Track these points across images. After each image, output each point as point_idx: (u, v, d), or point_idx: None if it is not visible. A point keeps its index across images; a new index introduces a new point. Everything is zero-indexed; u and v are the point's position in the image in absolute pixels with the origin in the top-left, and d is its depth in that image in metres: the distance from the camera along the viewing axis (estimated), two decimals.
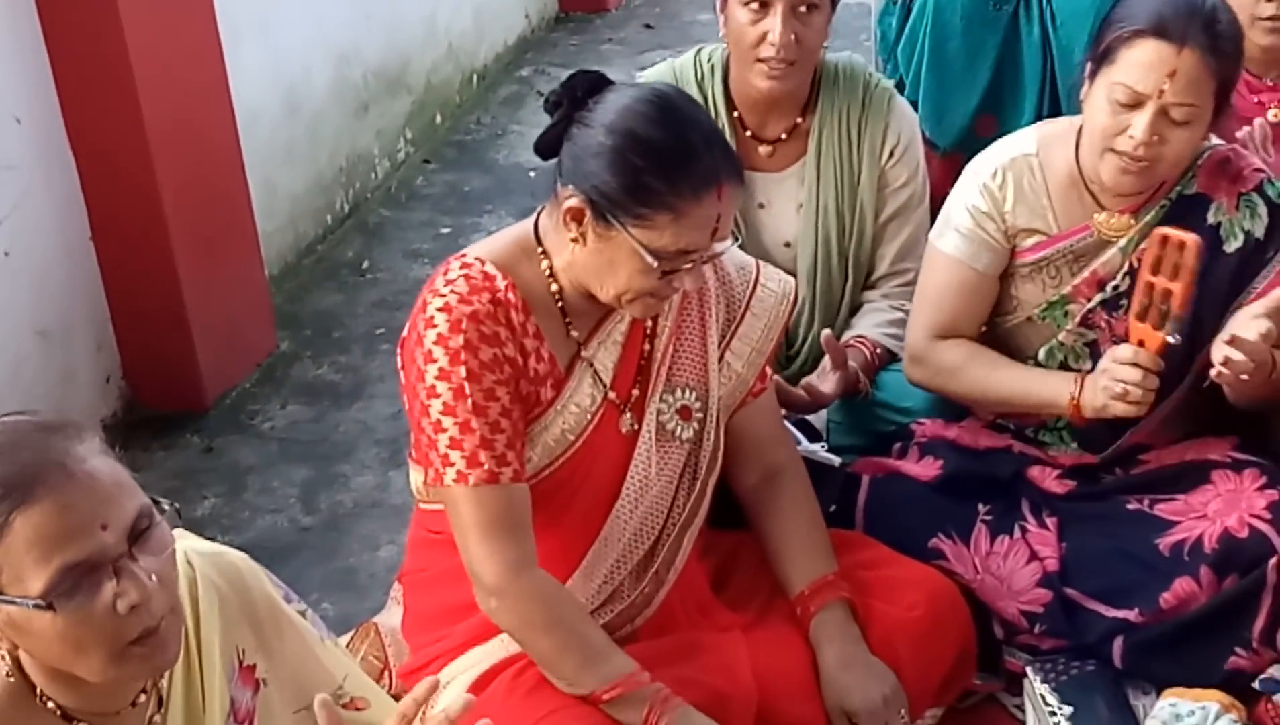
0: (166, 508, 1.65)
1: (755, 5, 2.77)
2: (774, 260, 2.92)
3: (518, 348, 2.19)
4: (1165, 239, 2.39)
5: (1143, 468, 2.70)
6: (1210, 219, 2.56)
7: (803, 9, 2.78)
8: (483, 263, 2.20)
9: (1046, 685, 2.48)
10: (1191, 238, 2.37)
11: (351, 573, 3.28)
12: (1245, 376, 2.35)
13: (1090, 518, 2.63)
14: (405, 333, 2.22)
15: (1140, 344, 2.42)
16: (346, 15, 4.90)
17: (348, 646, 2.53)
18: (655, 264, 2.10)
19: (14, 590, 1.54)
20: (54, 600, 1.53)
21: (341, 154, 4.92)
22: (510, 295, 2.18)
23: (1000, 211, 2.63)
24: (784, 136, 2.97)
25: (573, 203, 2.13)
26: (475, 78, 5.84)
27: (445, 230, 4.84)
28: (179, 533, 1.77)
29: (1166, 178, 2.53)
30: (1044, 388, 2.60)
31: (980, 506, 2.66)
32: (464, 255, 2.23)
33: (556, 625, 2.17)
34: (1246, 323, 2.37)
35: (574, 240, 2.16)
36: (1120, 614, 2.51)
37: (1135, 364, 2.41)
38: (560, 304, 2.24)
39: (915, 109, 3.75)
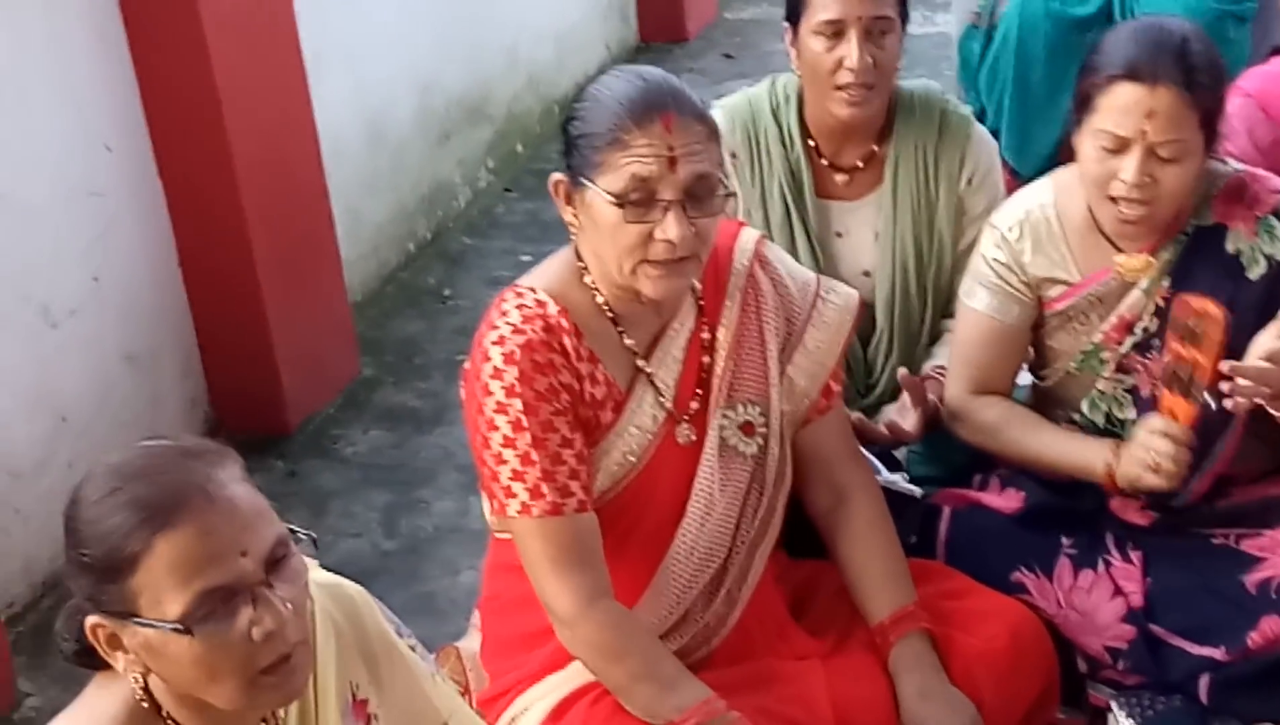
0: (303, 537, 1.67)
1: (829, 31, 2.77)
2: (854, 290, 2.92)
3: (573, 373, 2.20)
4: (1188, 306, 2.36)
5: (1229, 500, 2.66)
6: (1229, 248, 2.53)
7: (877, 31, 2.77)
8: (534, 291, 2.22)
9: (1131, 721, 2.45)
10: (1212, 307, 2.34)
11: (431, 597, 3.30)
12: (1261, 400, 2.32)
13: (1175, 552, 2.59)
14: (467, 364, 2.24)
15: (1172, 415, 2.39)
16: (429, 46, 4.96)
17: None
18: (620, 209, 2.11)
19: (152, 613, 1.56)
20: (192, 625, 1.55)
21: (424, 182, 4.97)
22: (563, 321, 2.20)
23: (1020, 263, 2.62)
24: (860, 165, 2.96)
25: (553, 178, 2.22)
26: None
27: (526, 258, 4.86)
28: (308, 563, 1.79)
29: (1170, 215, 2.50)
30: (1079, 456, 2.58)
31: (1063, 539, 2.63)
32: (518, 285, 2.25)
33: (629, 654, 2.17)
34: (1255, 345, 2.34)
35: (572, 225, 2.21)
36: (1206, 652, 2.47)
37: (1166, 435, 2.39)
38: (610, 314, 2.26)
39: (997, 138, 3.74)
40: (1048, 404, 2.70)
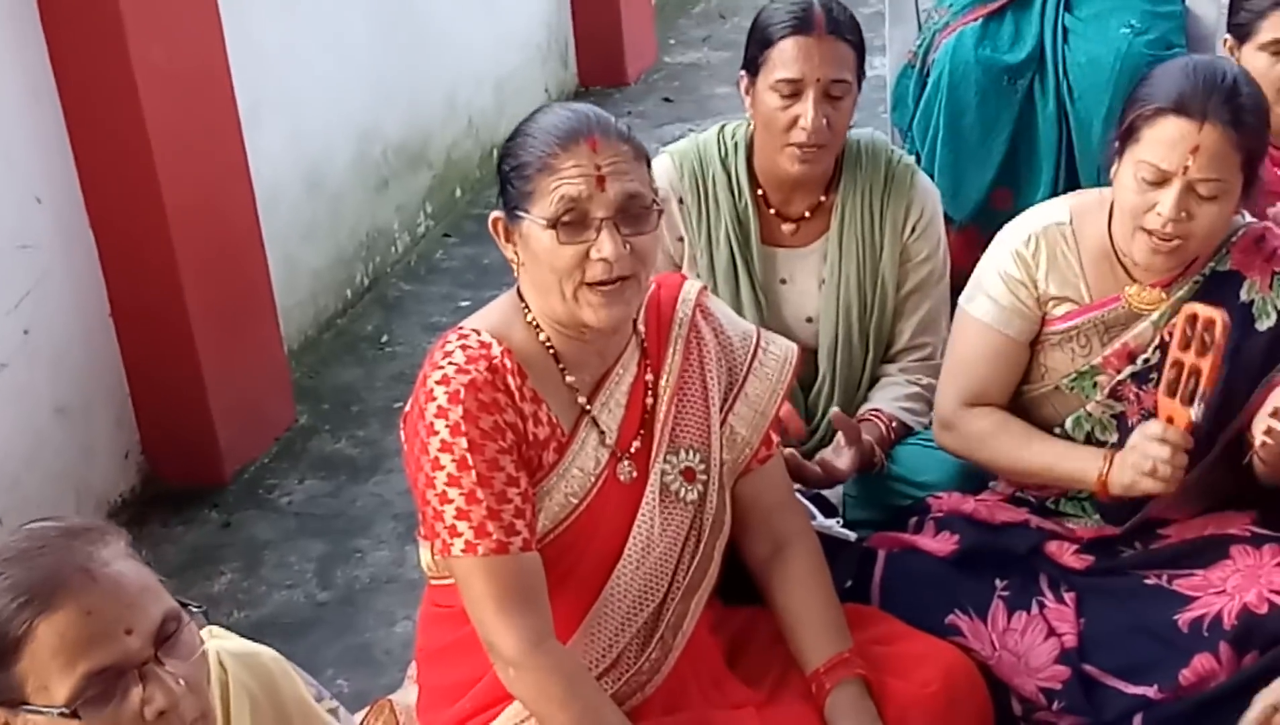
0: (195, 610, 1.65)
1: (787, 90, 2.79)
2: (795, 336, 2.92)
3: (517, 413, 2.19)
4: (1194, 316, 2.38)
5: (1162, 542, 2.67)
6: (1243, 296, 2.55)
7: (834, 95, 2.80)
8: (478, 333, 2.23)
9: None
10: (1220, 315, 2.36)
11: (367, 648, 3.27)
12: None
13: (1109, 593, 2.59)
14: (408, 407, 2.23)
15: (1169, 421, 2.40)
16: (368, 94, 4.95)
17: (362, 724, 2.52)
18: (554, 232, 2.13)
19: (39, 699, 1.53)
20: (79, 709, 1.52)
21: (362, 229, 4.96)
22: (506, 361, 2.20)
23: (1033, 278, 2.63)
24: (807, 214, 2.98)
25: (491, 216, 2.24)
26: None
27: (464, 303, 4.86)
28: (212, 631, 1.76)
29: (1199, 254, 2.53)
30: (1073, 462, 2.59)
31: (997, 582, 2.63)
32: (460, 327, 2.26)
33: (573, 700, 2.15)
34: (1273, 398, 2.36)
35: (513, 261, 2.24)
36: (1139, 690, 2.47)
37: (1164, 441, 2.40)
38: (553, 352, 2.26)
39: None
40: (1027, 415, 2.70)
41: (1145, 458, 2.42)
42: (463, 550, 2.14)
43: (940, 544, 2.70)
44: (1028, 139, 3.89)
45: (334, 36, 4.73)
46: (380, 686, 2.94)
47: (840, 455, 2.77)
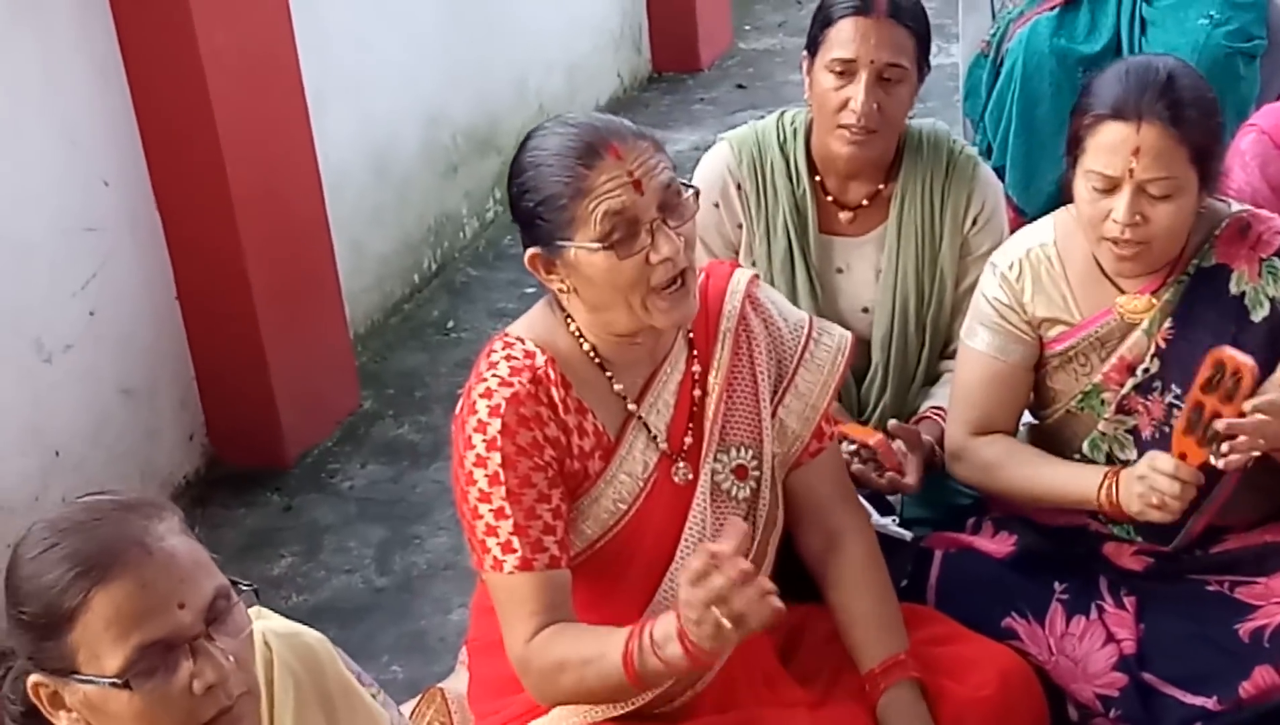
0: (245, 588, 1.66)
1: (840, 69, 2.76)
2: (851, 326, 2.88)
3: (560, 426, 2.17)
4: (1222, 361, 2.33)
5: (1224, 547, 2.62)
6: (1233, 289, 2.49)
7: (887, 78, 2.76)
8: (523, 342, 2.20)
9: None
10: (1250, 367, 2.31)
11: (422, 635, 3.28)
12: (1258, 452, 2.31)
13: (1169, 599, 2.55)
14: (457, 409, 2.22)
15: (1182, 457, 2.36)
16: (436, 78, 4.96)
17: (414, 712, 2.53)
18: (609, 251, 2.08)
19: (90, 669, 1.54)
20: (130, 679, 1.53)
21: (430, 214, 4.97)
22: (550, 371, 2.18)
23: (1020, 303, 2.59)
24: (865, 202, 2.94)
25: (528, 255, 2.17)
26: None
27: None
28: (258, 611, 1.77)
29: (1168, 253, 2.48)
30: (1077, 484, 2.54)
31: (1056, 584, 2.59)
32: (506, 334, 2.24)
33: (565, 656, 2.11)
34: (1254, 400, 2.32)
35: (562, 291, 2.18)
36: (1198, 701, 2.42)
37: (1174, 477, 2.36)
38: (598, 361, 2.23)
39: (1003, 175, 3.72)
40: (1048, 444, 2.66)
41: (1153, 490, 2.38)
42: (490, 566, 2.14)
43: (998, 545, 2.67)
44: None
45: (403, 20, 4.73)
46: (434, 674, 2.94)
47: (906, 466, 2.74)
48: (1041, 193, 3.88)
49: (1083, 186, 2.43)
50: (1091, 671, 2.50)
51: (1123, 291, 2.54)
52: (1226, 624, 2.47)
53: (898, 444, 2.76)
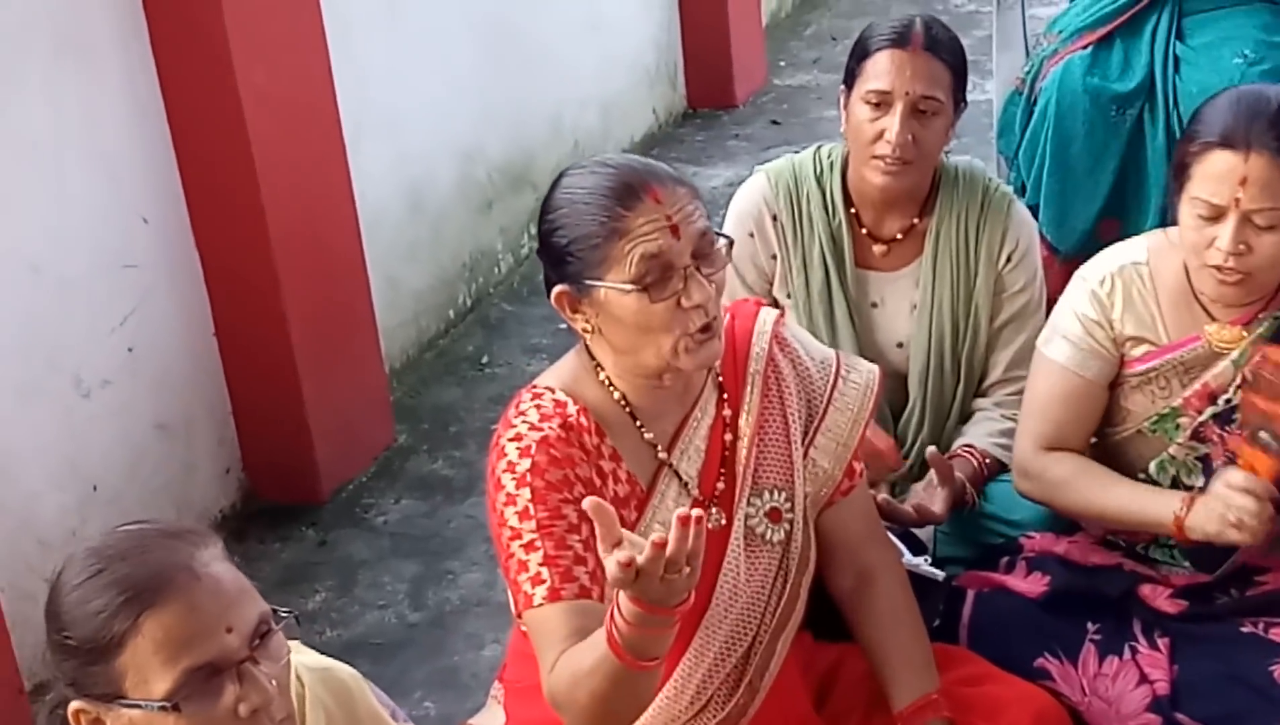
0: (284, 616, 1.68)
1: (876, 101, 2.79)
2: (886, 360, 2.90)
3: (594, 470, 2.16)
4: (1265, 358, 2.32)
5: (1259, 588, 2.60)
6: None
7: (923, 110, 2.78)
8: (552, 391, 2.20)
9: None
10: None
11: (455, 672, 3.29)
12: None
13: (1203, 640, 2.53)
14: (489, 458, 2.21)
15: (1252, 468, 2.34)
16: (472, 115, 4.99)
17: None
18: (642, 293, 2.07)
19: (138, 693, 1.57)
20: (179, 702, 1.56)
21: (465, 250, 5.00)
22: (582, 419, 2.17)
23: (1109, 319, 2.58)
24: (900, 236, 2.96)
25: (555, 291, 2.15)
26: None
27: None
28: (293, 646, 1.79)
29: (1270, 284, 2.48)
30: (1150, 506, 2.53)
31: (1089, 625, 2.58)
32: (534, 385, 2.23)
33: (578, 671, 2.02)
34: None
35: (586, 331, 2.17)
36: None
37: (1248, 492, 2.34)
38: (628, 409, 2.22)
39: (1036, 213, 3.71)
40: (1111, 462, 2.64)
41: (1229, 509, 2.36)
42: (524, 604, 2.11)
43: (1031, 585, 2.65)
44: (1136, 169, 3.82)
45: (439, 57, 4.77)
46: (466, 710, 2.94)
47: (934, 497, 2.73)
48: (1075, 230, 3.85)
49: (1187, 213, 2.43)
50: (1125, 712, 2.48)
51: (1213, 319, 2.53)
52: (1260, 665, 2.45)
53: (929, 475, 2.76)
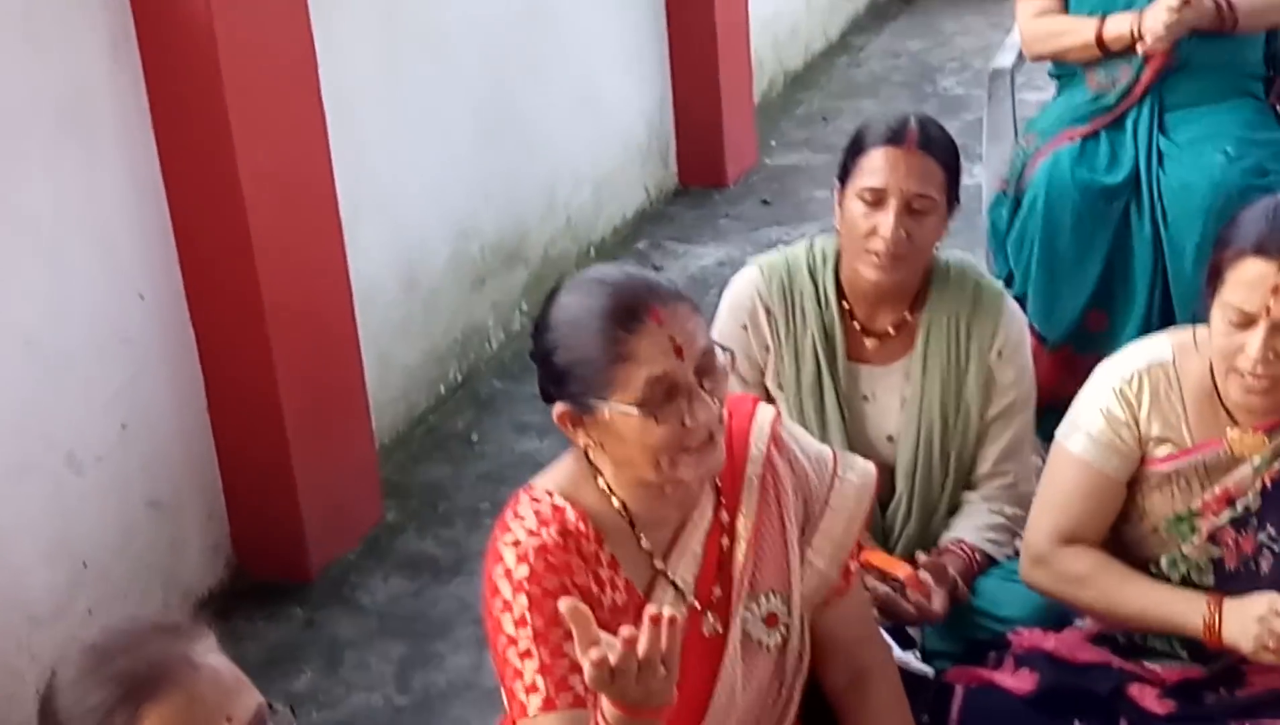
0: (279, 709, 1.69)
1: (871, 198, 2.83)
2: (876, 453, 2.91)
3: (592, 577, 2.16)
4: None
5: (1248, 689, 2.61)
6: None
7: (917, 208, 2.82)
8: (551, 495, 2.20)
9: None
10: None
11: None
12: None
13: None
14: (484, 564, 2.20)
15: None
16: (467, 193, 5.02)
17: None
18: (646, 415, 2.07)
19: None
20: None
21: (457, 326, 5.02)
22: (581, 525, 2.17)
23: (1136, 418, 2.60)
24: (892, 330, 2.99)
25: (556, 410, 2.14)
26: (592, 250, 5.93)
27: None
28: None
29: None
30: (1176, 610, 2.54)
31: (1077, 723, 2.59)
32: (532, 487, 2.23)
33: None
34: None
35: (587, 446, 2.16)
36: None
37: None
38: (627, 517, 2.22)
39: (1024, 303, 3.76)
40: (1122, 552, 2.65)
41: (1272, 634, 2.39)
42: (519, 712, 2.10)
43: (1019, 681, 2.65)
44: (1123, 261, 3.87)
45: (437, 135, 4.81)
46: None
47: (932, 594, 2.76)
48: (1063, 320, 3.91)
49: (1219, 318, 2.45)
50: None
51: (1236, 423, 2.55)
52: None
53: (924, 576, 2.78)
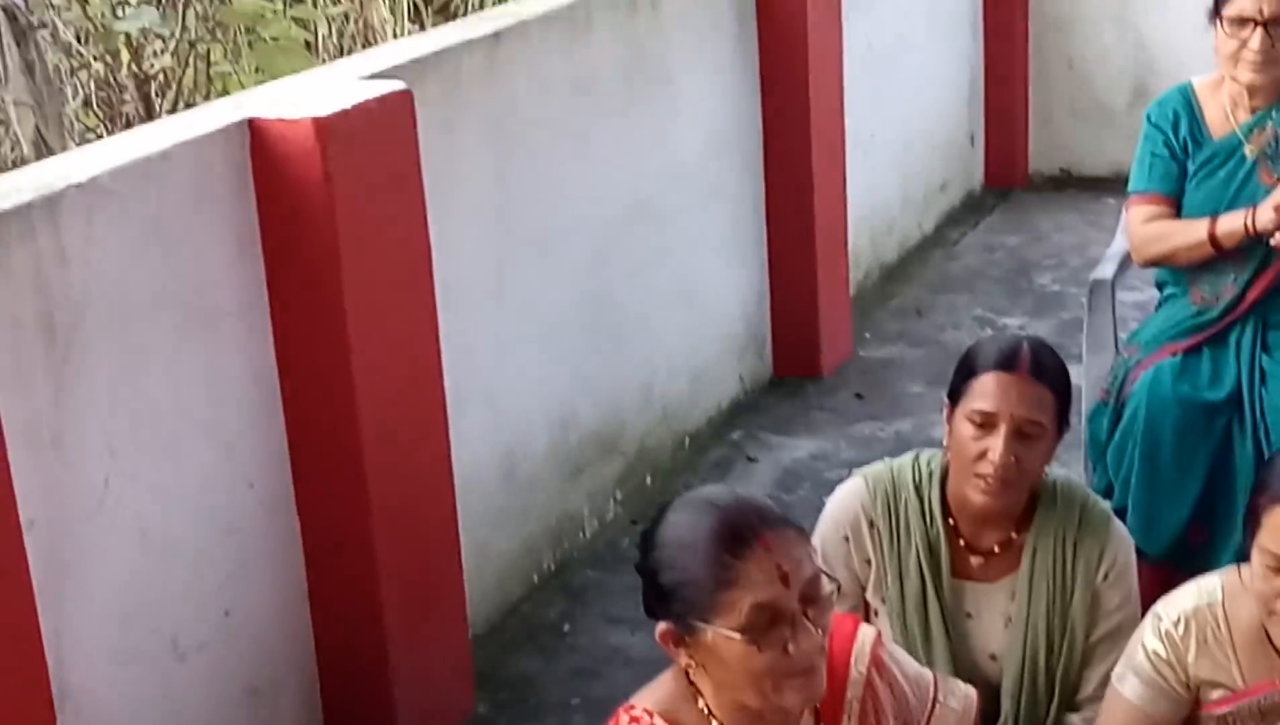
0: None
1: (981, 421, 2.85)
2: (979, 671, 2.91)
3: None
4: None
5: None
6: None
7: (1027, 433, 2.84)
8: (651, 715, 2.22)
9: None
10: None
11: None
12: None
13: None
14: None
15: None
16: (566, 384, 5.10)
17: None
18: (749, 641, 2.09)
19: None
20: None
21: (552, 515, 5.06)
22: None
23: (1182, 661, 2.59)
24: (997, 549, 3.00)
25: (659, 629, 2.18)
26: (687, 441, 5.97)
27: None
28: None
29: None
30: None
31: None
32: (632, 706, 2.26)
33: None
34: None
35: (688, 666, 2.18)
36: None
37: None
38: None
39: (1123, 515, 3.74)
40: None
41: None
42: None
43: None
44: (1225, 477, 3.85)
45: (541, 329, 4.91)
46: None
47: None
48: (1164, 535, 3.88)
49: (1257, 562, 2.46)
50: None
51: None
52: None
53: None
